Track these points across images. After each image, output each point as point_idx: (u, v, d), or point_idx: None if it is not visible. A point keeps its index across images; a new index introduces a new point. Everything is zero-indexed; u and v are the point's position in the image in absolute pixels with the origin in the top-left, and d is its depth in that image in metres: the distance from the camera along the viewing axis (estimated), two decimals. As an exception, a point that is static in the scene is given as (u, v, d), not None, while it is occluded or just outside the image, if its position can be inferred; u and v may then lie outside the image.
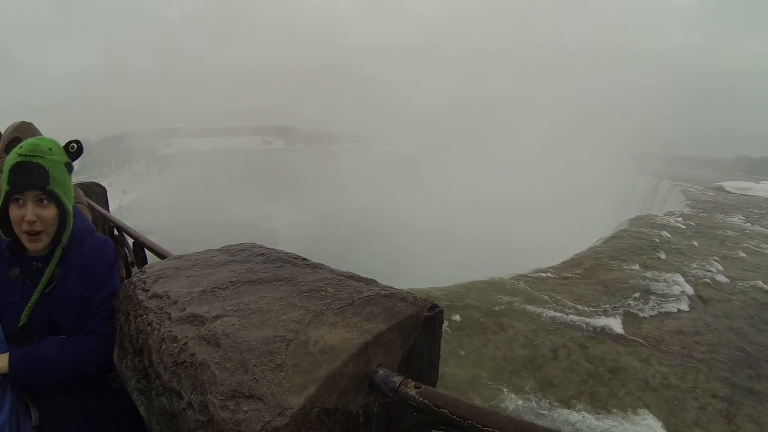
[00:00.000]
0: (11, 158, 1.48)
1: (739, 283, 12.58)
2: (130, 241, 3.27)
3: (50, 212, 1.48)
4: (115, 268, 1.72)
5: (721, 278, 12.92)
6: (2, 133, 2.78)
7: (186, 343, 1.02)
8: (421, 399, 0.88)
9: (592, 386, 7.99)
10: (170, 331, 1.09)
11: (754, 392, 7.83)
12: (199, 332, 1.01)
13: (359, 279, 1.24)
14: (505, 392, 7.87)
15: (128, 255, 3.45)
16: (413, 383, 0.92)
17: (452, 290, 11.58)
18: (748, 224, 20.28)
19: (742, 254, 15.51)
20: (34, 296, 1.49)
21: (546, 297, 11.35)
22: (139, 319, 1.28)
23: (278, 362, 0.90)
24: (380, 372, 0.98)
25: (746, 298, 11.70)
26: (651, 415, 7.26)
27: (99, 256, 1.65)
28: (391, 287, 1.15)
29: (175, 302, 1.16)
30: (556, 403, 7.64)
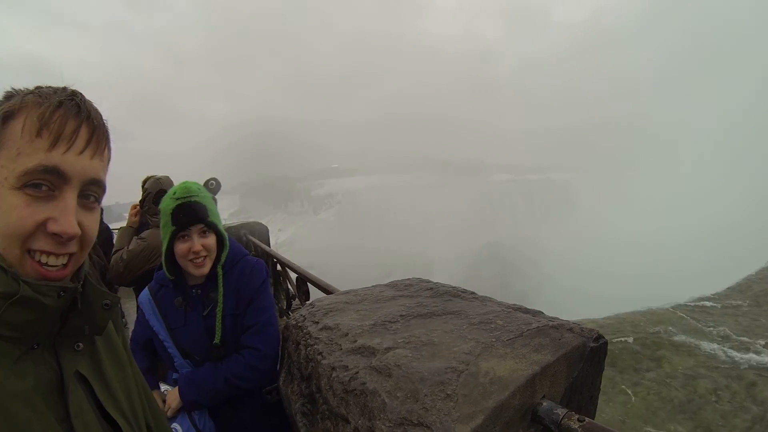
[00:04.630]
0: (170, 204, 1.66)
1: None
2: (293, 276, 3.53)
3: (212, 240, 1.69)
4: (266, 286, 1.83)
5: None
6: (146, 185, 3.09)
7: (357, 372, 1.11)
8: (583, 433, 0.86)
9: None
10: (341, 360, 1.19)
11: None
12: (371, 363, 1.10)
13: (527, 311, 1.25)
14: (658, 438, 6.95)
15: (290, 288, 3.70)
16: (576, 416, 0.91)
17: (605, 323, 10.75)
18: None
19: None
20: (218, 320, 1.66)
21: (708, 329, 9.88)
22: (309, 349, 1.39)
23: (449, 392, 0.94)
24: (544, 404, 0.98)
25: None
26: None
27: (250, 275, 1.78)
28: (557, 318, 1.14)
29: (346, 334, 1.26)
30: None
